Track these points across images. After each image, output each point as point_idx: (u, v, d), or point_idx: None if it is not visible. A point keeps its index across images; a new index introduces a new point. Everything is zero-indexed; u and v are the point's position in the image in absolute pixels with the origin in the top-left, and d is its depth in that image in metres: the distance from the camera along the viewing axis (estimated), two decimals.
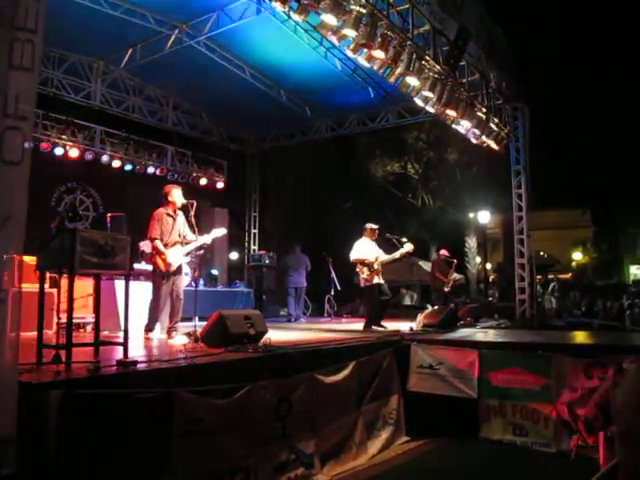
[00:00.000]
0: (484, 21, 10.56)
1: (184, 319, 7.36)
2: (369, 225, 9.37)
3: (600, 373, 6.13)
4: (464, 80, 10.33)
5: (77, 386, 3.69)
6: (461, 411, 6.90)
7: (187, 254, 7.12)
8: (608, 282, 27.11)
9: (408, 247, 9.27)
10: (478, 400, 6.96)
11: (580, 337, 9.14)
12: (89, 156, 12.29)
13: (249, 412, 4.71)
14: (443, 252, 12.98)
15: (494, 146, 11.59)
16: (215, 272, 14.42)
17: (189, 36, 10.53)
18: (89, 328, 7.55)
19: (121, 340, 4.97)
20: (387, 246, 9.49)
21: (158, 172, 13.57)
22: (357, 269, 9.15)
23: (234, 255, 19.71)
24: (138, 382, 4.15)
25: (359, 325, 9.76)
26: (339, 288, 13.57)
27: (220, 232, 7.40)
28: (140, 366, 4.48)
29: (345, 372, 6.19)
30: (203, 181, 14.70)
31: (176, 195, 7.10)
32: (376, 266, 9.02)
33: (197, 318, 6.94)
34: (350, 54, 8.48)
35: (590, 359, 6.39)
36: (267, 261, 14.19)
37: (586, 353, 6.63)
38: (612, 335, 10.43)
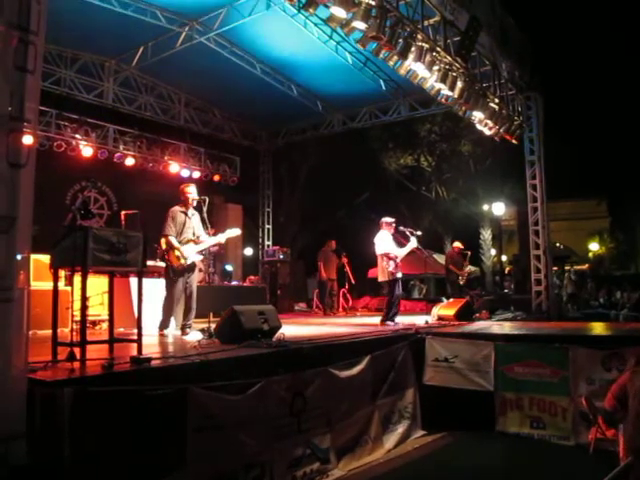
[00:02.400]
0: (496, 11, 10.45)
1: (198, 315, 7.38)
2: (384, 219, 9.28)
3: (618, 364, 6.07)
4: (476, 71, 10.23)
5: (91, 383, 3.71)
6: (477, 404, 6.86)
7: (200, 252, 7.14)
8: (625, 272, 26.83)
9: (413, 243, 9.14)
10: (494, 393, 6.92)
11: (597, 328, 9.04)
12: (102, 155, 12.36)
13: (264, 408, 4.71)
14: (457, 245, 12.91)
15: (508, 137, 11.48)
16: (229, 268, 14.46)
17: (199, 33, 10.52)
18: (104, 325, 7.58)
19: (135, 337, 4.99)
20: (401, 238, 9.42)
21: (171, 169, 13.61)
22: (384, 263, 9.01)
23: (248, 251, 19.75)
24: (152, 379, 4.15)
25: (374, 319, 9.74)
26: (353, 282, 13.57)
27: (234, 232, 7.39)
28: (154, 363, 4.49)
29: (360, 366, 6.17)
30: (216, 177, 14.72)
31: (188, 192, 7.12)
32: (399, 260, 8.95)
33: (211, 314, 6.96)
34: (360, 47, 8.42)
35: (608, 350, 6.32)
36: (281, 256, 14.20)
37: (603, 343, 6.56)
38: (630, 326, 10.31)
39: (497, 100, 10.63)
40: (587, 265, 30.34)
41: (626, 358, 5.98)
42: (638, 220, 31.78)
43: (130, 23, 9.93)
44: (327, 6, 7.49)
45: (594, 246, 33.28)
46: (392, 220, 9.23)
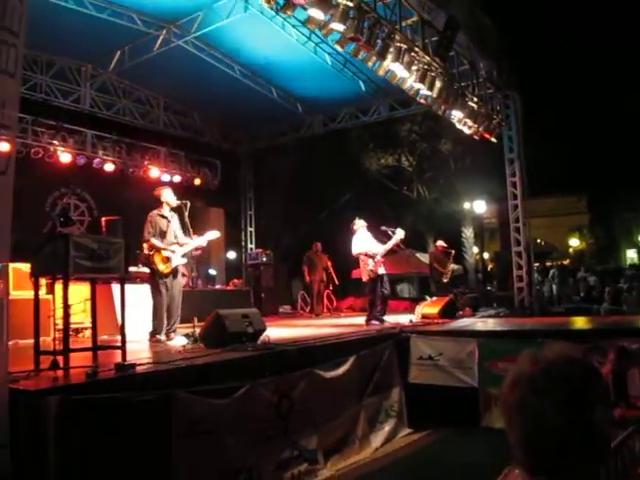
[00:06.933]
0: (473, 11, 10.53)
1: (183, 320, 7.35)
2: (356, 221, 9.39)
3: (599, 357, 6.14)
4: (454, 70, 10.32)
5: (75, 391, 3.68)
6: (462, 401, 6.91)
7: (183, 256, 7.10)
8: (606, 267, 27.15)
9: (400, 234, 9.23)
10: (479, 389, 6.97)
11: (579, 322, 9.16)
12: (81, 160, 12.22)
13: (250, 411, 4.71)
14: (440, 243, 12.95)
15: (487, 135, 11.58)
16: (213, 272, 14.40)
17: (177, 36, 10.47)
18: (87, 333, 7.51)
19: (119, 344, 4.95)
20: (383, 238, 9.47)
21: (152, 174, 13.51)
22: (361, 263, 9.10)
23: (231, 254, 19.69)
24: (137, 385, 4.14)
25: (358, 320, 9.77)
26: (337, 283, 13.62)
27: (214, 235, 7.39)
28: (139, 369, 4.47)
29: (345, 367, 6.19)
30: (197, 181, 14.64)
31: (167, 195, 7.09)
32: (378, 257, 8.99)
33: (196, 319, 6.92)
34: (339, 48, 8.46)
35: (589, 344, 6.40)
36: (264, 259, 14.19)
37: (585, 337, 6.65)
38: (610, 319, 10.45)
39: (476, 99, 10.73)
40: (568, 260, 30.71)
41: (606, 351, 6.07)
42: (616, 216, 32.24)
43: (106, 27, 9.84)
44: (305, 8, 7.51)
45: (574, 242, 33.66)
46: (359, 220, 9.32)
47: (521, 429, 1.21)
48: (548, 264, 24.94)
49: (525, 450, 1.22)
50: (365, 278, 9.11)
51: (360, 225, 9.30)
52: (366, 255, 8.97)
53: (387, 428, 6.76)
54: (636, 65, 20.95)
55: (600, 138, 24.97)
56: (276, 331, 7.40)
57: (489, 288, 20.68)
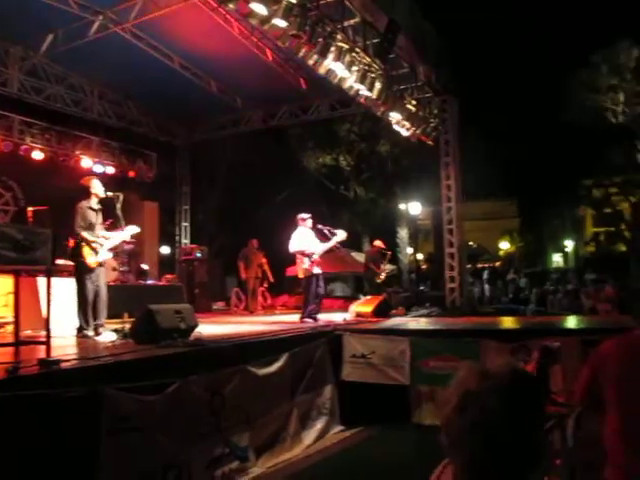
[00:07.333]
0: (414, 15, 10.72)
1: (112, 316, 7.12)
2: (300, 215, 9.31)
3: (525, 356, 6.38)
4: (394, 73, 10.47)
5: None
6: (394, 398, 7.02)
7: (109, 250, 6.91)
8: (534, 269, 28.32)
9: (342, 235, 9.27)
10: (410, 387, 7.10)
11: (506, 322, 9.48)
12: (7, 147, 11.64)
13: (181, 407, 4.62)
14: (378, 243, 13.04)
15: (424, 138, 11.82)
16: (145, 267, 14.04)
17: (114, 23, 10.13)
18: (9, 328, 7.18)
19: (44, 339, 4.75)
20: (319, 237, 9.48)
21: (83, 164, 13.04)
22: (297, 260, 9.07)
23: (165, 249, 19.30)
24: (63, 382, 3.97)
25: (292, 317, 9.76)
26: (272, 281, 13.59)
27: (134, 230, 7.24)
28: (64, 365, 4.29)
29: (278, 364, 6.17)
30: (132, 173, 14.23)
31: (97, 186, 6.86)
32: (315, 256, 8.98)
33: (126, 314, 6.74)
34: (280, 44, 8.43)
35: (515, 343, 6.63)
36: (198, 254, 13.99)
37: (512, 337, 6.89)
38: (536, 319, 10.88)
39: (414, 102, 10.94)
40: (498, 263, 31.82)
41: (531, 350, 6.31)
42: (545, 221, 33.65)
43: (38, 8, 9.36)
44: (247, 2, 7.44)
45: (505, 245, 34.90)
46: (308, 216, 9.26)
47: (469, 452, 1.18)
48: (479, 266, 25.75)
49: (471, 472, 1.20)
50: (300, 275, 9.10)
51: (306, 224, 9.20)
52: (303, 254, 8.95)
53: (319, 425, 6.79)
54: (570, 75, 21.94)
55: (534, 146, 25.98)
56: (209, 327, 7.31)
57: (422, 288, 21.13)
